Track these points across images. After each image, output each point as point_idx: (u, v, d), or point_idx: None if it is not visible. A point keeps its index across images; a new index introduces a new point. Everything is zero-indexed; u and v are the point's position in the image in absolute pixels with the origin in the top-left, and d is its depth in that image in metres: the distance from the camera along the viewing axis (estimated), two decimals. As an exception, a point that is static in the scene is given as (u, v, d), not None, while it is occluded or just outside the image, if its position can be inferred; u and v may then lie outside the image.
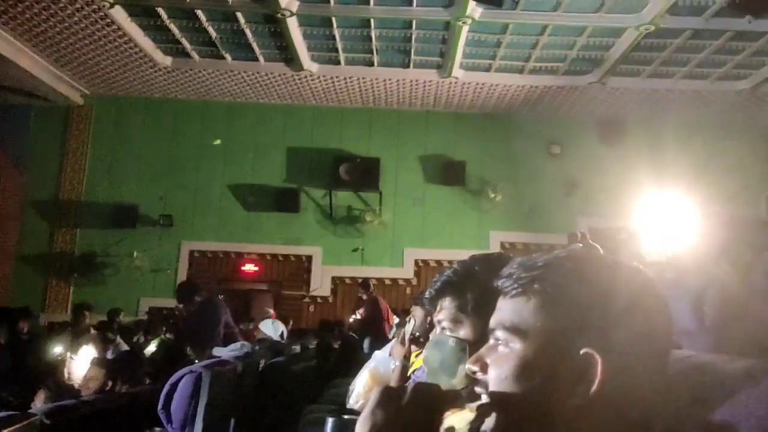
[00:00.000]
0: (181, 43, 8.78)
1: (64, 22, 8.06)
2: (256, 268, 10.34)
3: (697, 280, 2.21)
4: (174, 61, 9.34)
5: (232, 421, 3.74)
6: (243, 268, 10.33)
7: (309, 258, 10.43)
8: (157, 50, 9.06)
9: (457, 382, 1.24)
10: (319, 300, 10.31)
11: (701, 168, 10.08)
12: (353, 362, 5.33)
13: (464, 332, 1.58)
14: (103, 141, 10.74)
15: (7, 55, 8.61)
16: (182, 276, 10.29)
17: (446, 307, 1.62)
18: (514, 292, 0.86)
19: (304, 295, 10.21)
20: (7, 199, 10.62)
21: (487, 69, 9.20)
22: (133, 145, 10.67)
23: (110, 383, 4.45)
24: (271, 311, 8.66)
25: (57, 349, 5.62)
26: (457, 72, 9.21)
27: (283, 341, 6.04)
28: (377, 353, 3.96)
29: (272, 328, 6.26)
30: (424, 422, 0.80)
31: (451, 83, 9.57)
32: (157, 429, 4.15)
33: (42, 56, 9.07)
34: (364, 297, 8.50)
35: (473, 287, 1.61)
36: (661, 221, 8.85)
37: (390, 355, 3.61)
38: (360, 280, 9.26)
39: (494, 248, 10.36)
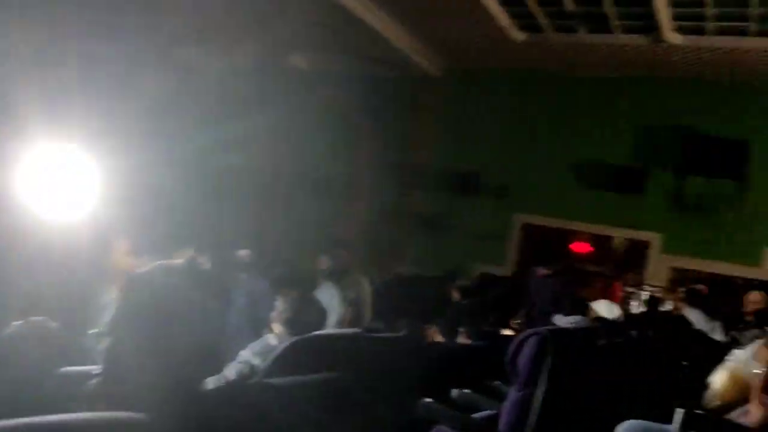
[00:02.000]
0: (536, 18, 8.89)
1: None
2: (588, 249, 10.11)
3: None
4: (528, 36, 9.50)
5: (576, 388, 3.76)
6: (573, 247, 10.20)
7: (645, 244, 9.79)
8: (512, 25, 9.32)
9: None
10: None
11: None
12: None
13: None
14: (453, 111, 11.53)
15: (375, 27, 9.67)
16: (514, 248, 10.63)
17: None
18: None
19: (638, 281, 9.64)
20: (365, 160, 12.21)
21: None
22: (480, 115, 11.24)
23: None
24: None
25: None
26: None
27: (619, 323, 5.83)
28: (738, 352, 3.62)
29: (607, 309, 6.05)
30: None
31: None
32: (497, 382, 4.42)
33: (403, 28, 10.00)
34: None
35: None
36: None
37: (753, 357, 3.31)
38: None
39: None
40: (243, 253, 6.18)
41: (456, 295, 8.24)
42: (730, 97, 9.48)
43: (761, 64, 8.82)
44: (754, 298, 5.38)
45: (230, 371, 3.24)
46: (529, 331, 3.66)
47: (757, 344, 3.15)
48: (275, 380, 2.09)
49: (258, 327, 3.88)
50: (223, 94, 11.10)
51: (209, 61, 11.21)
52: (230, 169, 11.36)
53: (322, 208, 12.05)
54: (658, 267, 9.60)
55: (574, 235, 10.30)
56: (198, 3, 8.93)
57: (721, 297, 7.54)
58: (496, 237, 10.77)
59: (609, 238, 10.06)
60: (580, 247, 10.15)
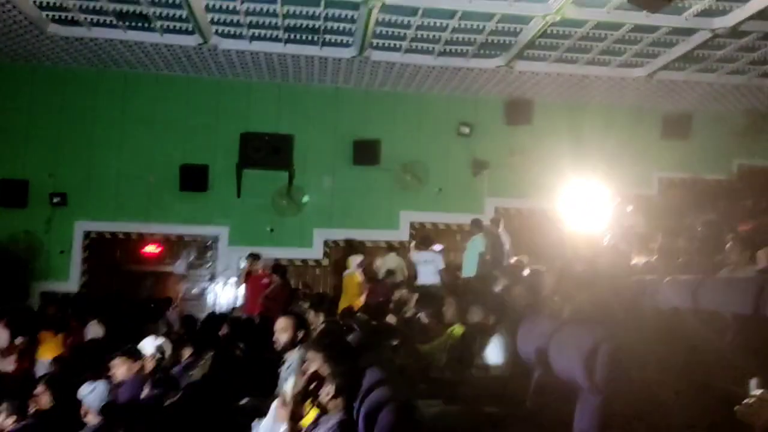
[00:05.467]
0: (70, 10, 8.12)
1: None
2: (159, 250, 9.91)
3: (591, 333, 2.24)
4: (63, 30, 8.62)
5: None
6: (145, 249, 9.88)
7: (215, 239, 10.11)
8: (44, 18, 8.33)
9: None
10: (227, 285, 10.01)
11: (598, 146, 10.55)
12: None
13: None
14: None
15: None
16: (78, 258, 9.74)
17: None
18: None
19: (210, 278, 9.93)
20: None
21: (398, 49, 9.10)
22: (20, 116, 9.86)
23: None
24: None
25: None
26: (369, 51, 9.06)
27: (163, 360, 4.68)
28: (261, 424, 3.26)
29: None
30: None
31: (362, 62, 9.40)
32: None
33: None
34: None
35: None
36: (570, 203, 9.22)
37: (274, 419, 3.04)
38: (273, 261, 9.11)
39: (404, 228, 10.43)
40: None
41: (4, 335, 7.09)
42: (272, 96, 10.35)
43: (293, 68, 9.85)
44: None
45: None
46: None
47: (274, 404, 3.03)
48: None
49: None
50: None
51: None
52: None
53: None
54: (230, 259, 10.04)
55: (146, 238, 9.95)
56: None
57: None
58: (58, 250, 9.72)
59: (180, 237, 10.03)
60: (151, 250, 9.88)
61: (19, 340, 7.52)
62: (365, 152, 10.38)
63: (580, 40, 8.68)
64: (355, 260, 8.63)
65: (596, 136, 10.68)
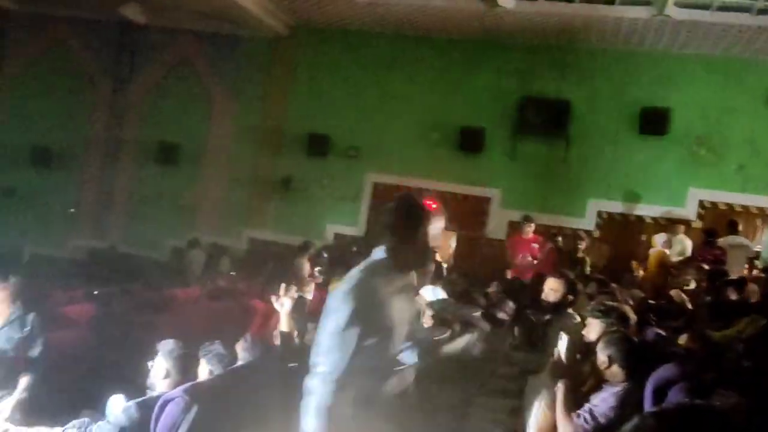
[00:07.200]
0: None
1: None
2: (434, 206, 10.46)
3: None
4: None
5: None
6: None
7: (487, 200, 10.37)
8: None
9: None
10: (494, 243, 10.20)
11: None
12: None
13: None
14: (303, 72, 11.33)
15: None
16: (365, 206, 10.82)
17: None
18: None
19: (479, 237, 10.25)
20: (221, 125, 11.77)
21: (708, 7, 8.15)
22: (329, 76, 11.13)
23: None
24: None
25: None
26: (671, 9, 8.27)
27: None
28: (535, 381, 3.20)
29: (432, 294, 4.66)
30: None
31: (661, 22, 8.63)
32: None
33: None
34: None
35: None
36: None
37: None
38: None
39: (692, 207, 9.49)
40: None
41: (307, 267, 8.25)
42: (554, 59, 10.09)
43: (584, 29, 9.44)
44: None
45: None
46: (167, 395, 3.06)
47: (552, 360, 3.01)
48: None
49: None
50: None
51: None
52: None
53: (171, 175, 11.61)
54: (500, 221, 10.23)
55: (423, 194, 10.60)
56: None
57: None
58: (349, 198, 10.92)
59: (455, 195, 10.48)
60: (428, 204, 10.49)
61: (316, 273, 8.76)
62: (653, 121, 9.60)
63: None
64: (660, 239, 8.28)
65: None
